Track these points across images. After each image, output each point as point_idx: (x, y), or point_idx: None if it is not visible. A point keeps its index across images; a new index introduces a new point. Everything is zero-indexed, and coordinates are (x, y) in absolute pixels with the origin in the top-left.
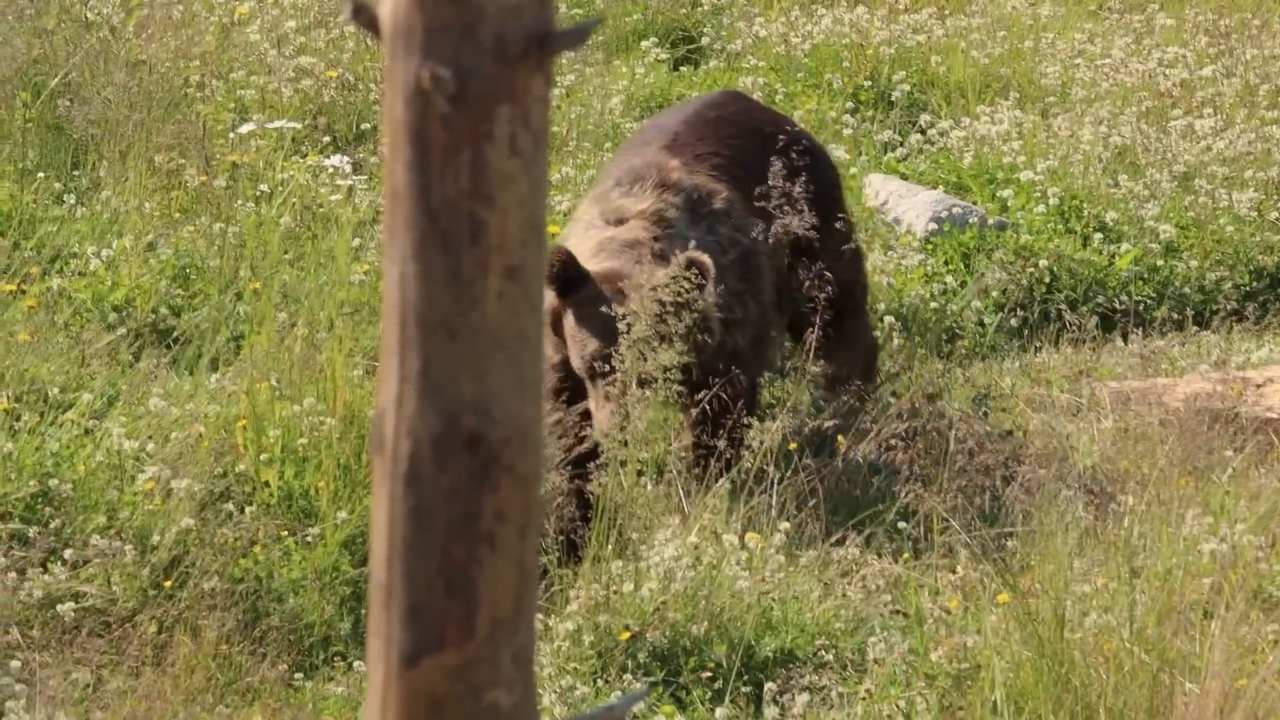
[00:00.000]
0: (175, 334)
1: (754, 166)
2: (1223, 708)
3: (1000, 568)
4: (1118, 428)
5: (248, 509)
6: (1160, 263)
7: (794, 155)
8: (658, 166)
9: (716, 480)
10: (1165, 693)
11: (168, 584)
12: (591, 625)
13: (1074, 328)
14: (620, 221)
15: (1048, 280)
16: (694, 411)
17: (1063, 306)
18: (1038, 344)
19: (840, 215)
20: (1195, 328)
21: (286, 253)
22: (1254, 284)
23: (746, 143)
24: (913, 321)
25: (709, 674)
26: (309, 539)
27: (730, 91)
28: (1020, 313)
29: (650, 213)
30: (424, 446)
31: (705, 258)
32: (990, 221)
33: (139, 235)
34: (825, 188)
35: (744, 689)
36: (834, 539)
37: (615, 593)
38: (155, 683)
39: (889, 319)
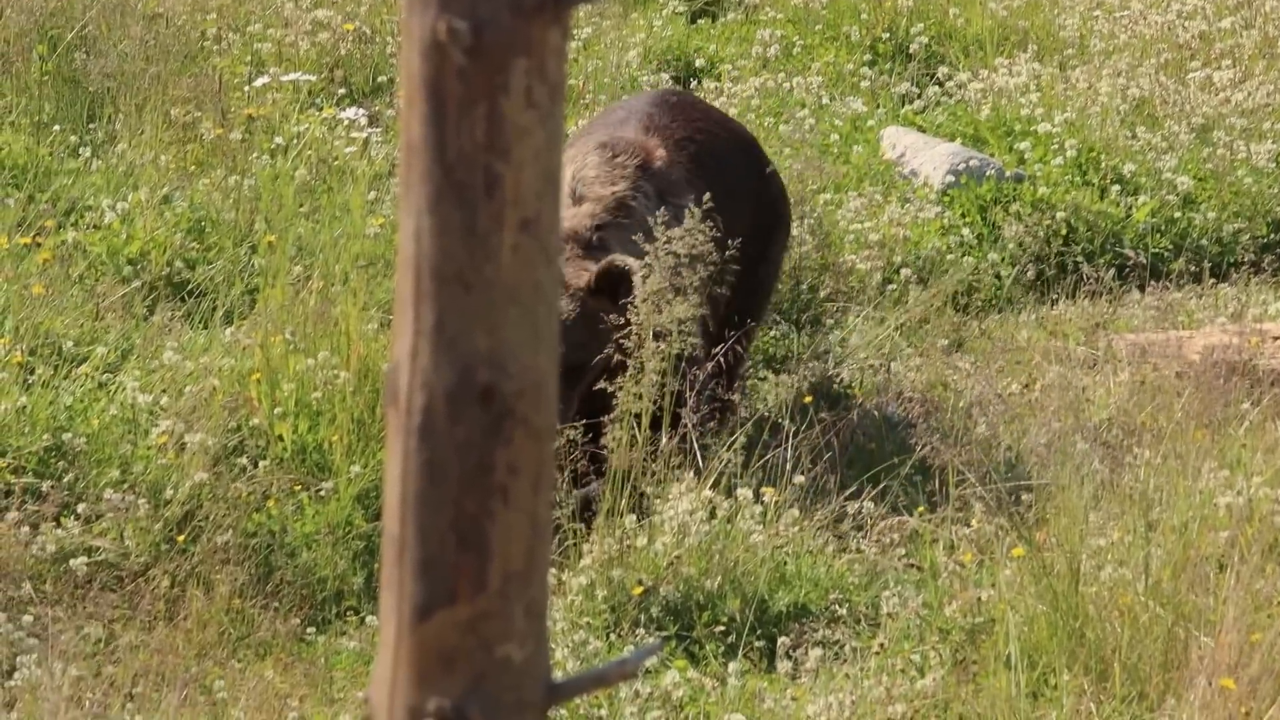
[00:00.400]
0: (190, 287)
1: (725, 159)
2: (1238, 661)
3: (1015, 521)
4: (1134, 380)
5: (261, 463)
6: (1178, 215)
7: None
8: (644, 149)
9: (731, 434)
10: (1180, 646)
11: (181, 538)
12: (605, 579)
13: (1091, 280)
14: (580, 200)
15: (1065, 232)
16: (709, 365)
17: (1080, 259)
18: (1054, 296)
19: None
20: (1212, 280)
21: (302, 206)
22: (1271, 236)
23: (715, 134)
24: (929, 274)
25: (722, 628)
26: (322, 493)
27: (676, 89)
28: (1037, 265)
29: (612, 199)
30: (438, 399)
31: (632, 264)
32: (1007, 174)
33: (154, 188)
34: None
35: (757, 643)
36: (848, 493)
37: (629, 547)
38: (168, 637)
39: (905, 271)
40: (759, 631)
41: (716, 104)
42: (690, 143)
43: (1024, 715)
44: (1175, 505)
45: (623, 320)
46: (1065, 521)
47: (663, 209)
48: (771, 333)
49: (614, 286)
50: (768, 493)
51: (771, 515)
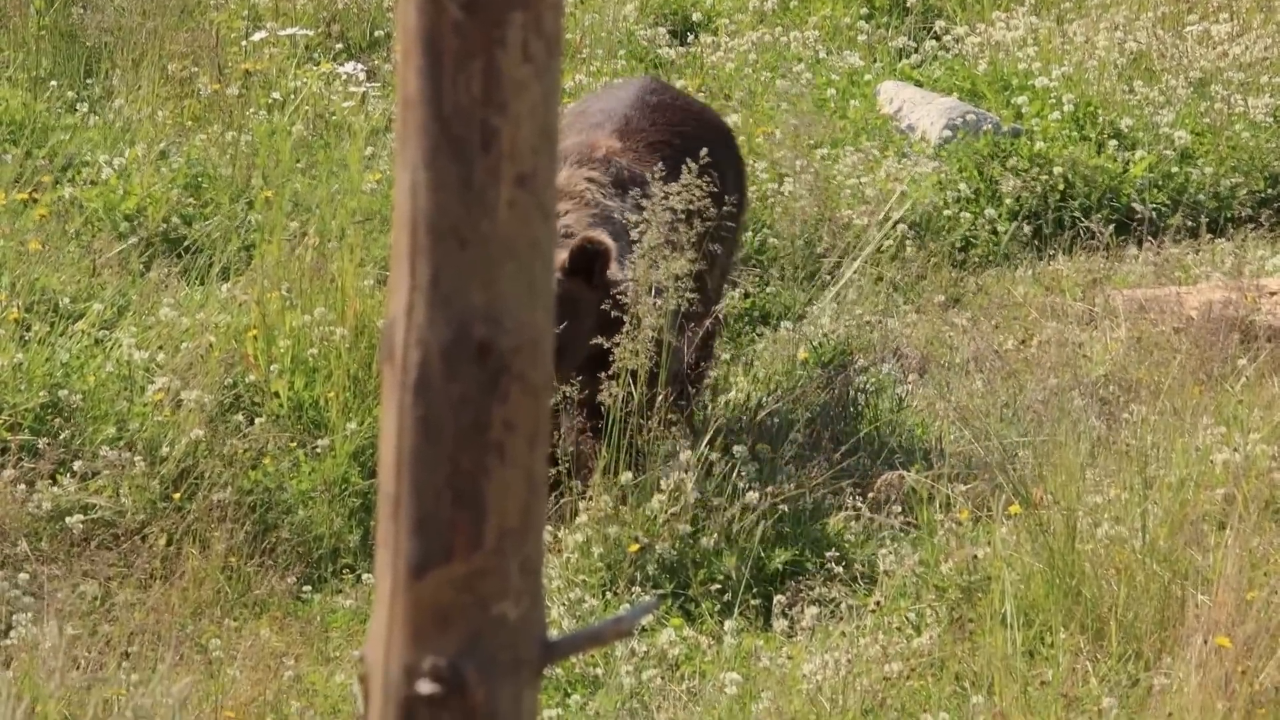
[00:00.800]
0: (186, 243)
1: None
2: (1234, 619)
3: (1012, 478)
4: (1131, 336)
5: (257, 420)
6: (1175, 170)
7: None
8: (590, 145)
9: (727, 392)
10: (1177, 604)
11: (177, 496)
12: (600, 537)
13: (1088, 235)
14: None
15: (1062, 188)
16: (708, 322)
17: (1077, 214)
18: (1051, 252)
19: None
20: (1209, 235)
21: (298, 161)
22: (1269, 191)
23: (694, 132)
24: (926, 230)
25: (718, 586)
26: (318, 450)
27: (654, 79)
28: (1034, 221)
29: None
30: (434, 356)
31: (608, 241)
32: (1004, 129)
33: (151, 144)
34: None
35: (753, 602)
36: (844, 449)
37: (625, 504)
38: (164, 595)
39: (901, 227)
40: (755, 590)
41: (713, 59)
42: (666, 145)
43: (1020, 673)
44: (1172, 462)
45: (600, 301)
46: (1062, 479)
47: (624, 200)
48: (769, 288)
49: (590, 265)
50: (764, 450)
51: (767, 473)
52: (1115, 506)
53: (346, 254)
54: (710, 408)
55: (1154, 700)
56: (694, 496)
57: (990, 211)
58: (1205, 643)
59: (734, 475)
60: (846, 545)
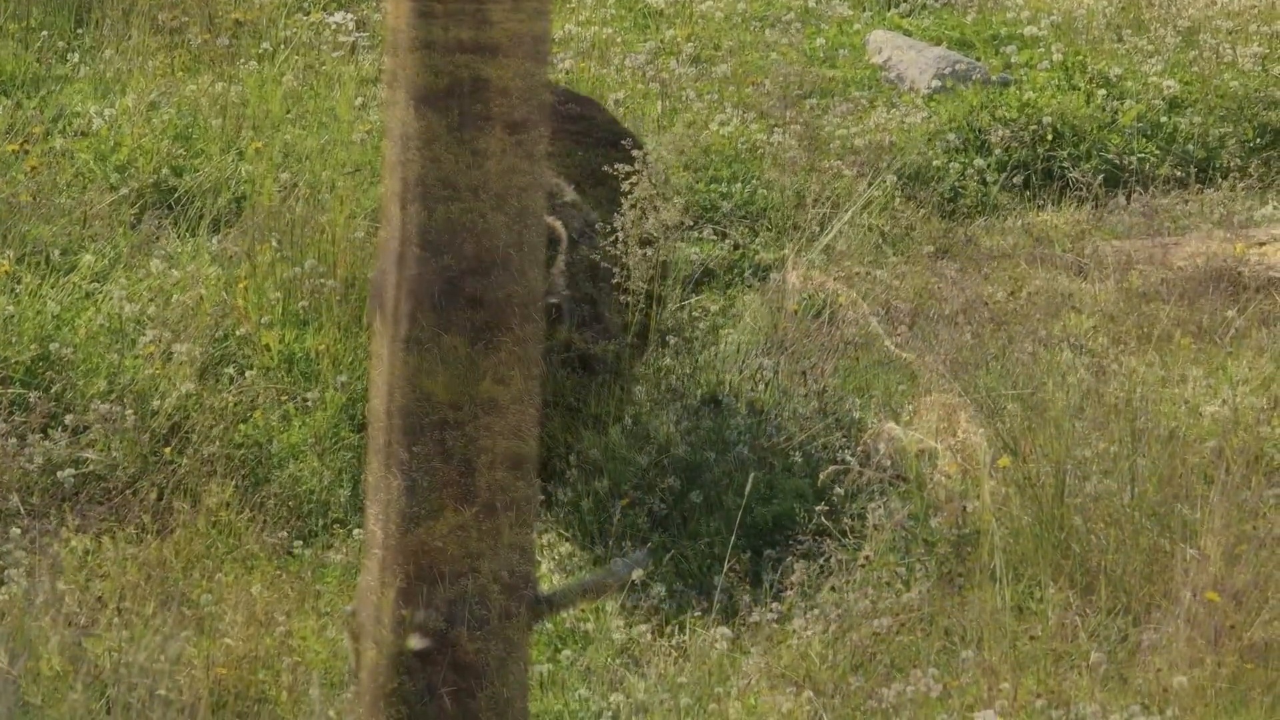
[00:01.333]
0: (177, 194)
1: (590, 164)
2: (1222, 573)
3: (1001, 431)
4: (1120, 288)
5: (248, 373)
6: (1164, 119)
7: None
8: None
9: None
10: (1165, 558)
11: (168, 450)
12: (590, 491)
13: (1077, 186)
14: None
15: (1051, 138)
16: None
17: (1066, 164)
18: (1040, 202)
19: None
20: (1198, 185)
21: (289, 112)
22: (1257, 140)
23: (581, 137)
24: (915, 180)
25: (707, 540)
26: (309, 403)
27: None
28: (1023, 171)
29: None
30: (424, 307)
31: (557, 224)
32: (994, 78)
33: (141, 94)
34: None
35: (743, 556)
36: (834, 402)
37: (614, 459)
38: (155, 550)
39: (890, 178)
40: (744, 544)
41: (703, 9)
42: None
43: (1009, 628)
44: (1161, 415)
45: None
46: (1051, 431)
47: (555, 215)
48: (758, 240)
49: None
50: (752, 403)
51: (756, 426)
52: (1104, 460)
53: (337, 205)
54: (699, 360)
55: (1143, 655)
56: (683, 450)
57: (979, 162)
58: (1194, 597)
59: (723, 429)
60: (835, 499)
